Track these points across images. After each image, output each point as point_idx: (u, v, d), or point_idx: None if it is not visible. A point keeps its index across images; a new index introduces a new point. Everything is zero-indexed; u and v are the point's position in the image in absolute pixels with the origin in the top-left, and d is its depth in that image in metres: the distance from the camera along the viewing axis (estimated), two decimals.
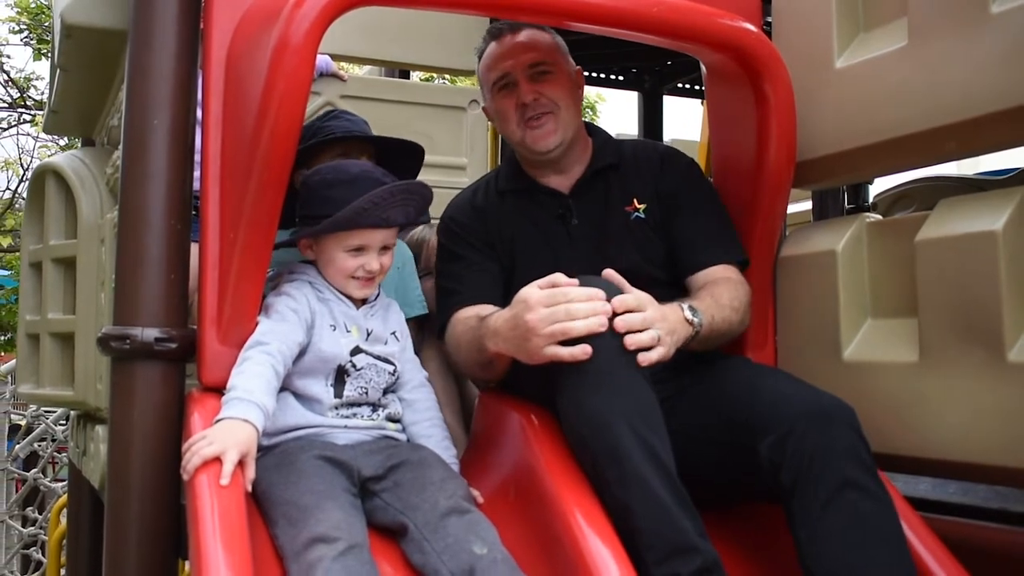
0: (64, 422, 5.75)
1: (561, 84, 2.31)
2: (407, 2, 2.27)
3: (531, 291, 1.88)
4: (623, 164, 2.36)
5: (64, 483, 5.34)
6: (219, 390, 1.89)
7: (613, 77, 5.09)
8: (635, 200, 2.31)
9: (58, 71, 2.94)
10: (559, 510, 1.79)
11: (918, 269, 2.00)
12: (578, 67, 2.40)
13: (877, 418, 2.01)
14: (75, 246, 2.84)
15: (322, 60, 3.43)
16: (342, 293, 2.09)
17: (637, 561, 1.71)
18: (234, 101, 1.99)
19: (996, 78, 1.87)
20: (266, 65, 1.80)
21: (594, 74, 5.05)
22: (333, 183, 2.06)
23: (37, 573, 5.56)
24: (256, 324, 1.97)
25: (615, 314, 1.83)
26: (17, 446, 5.84)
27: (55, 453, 6.01)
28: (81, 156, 2.97)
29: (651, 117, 5.02)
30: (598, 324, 1.80)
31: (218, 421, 1.77)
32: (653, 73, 5.00)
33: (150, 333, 1.96)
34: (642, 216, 2.30)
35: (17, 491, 5.98)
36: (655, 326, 1.85)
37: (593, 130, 2.47)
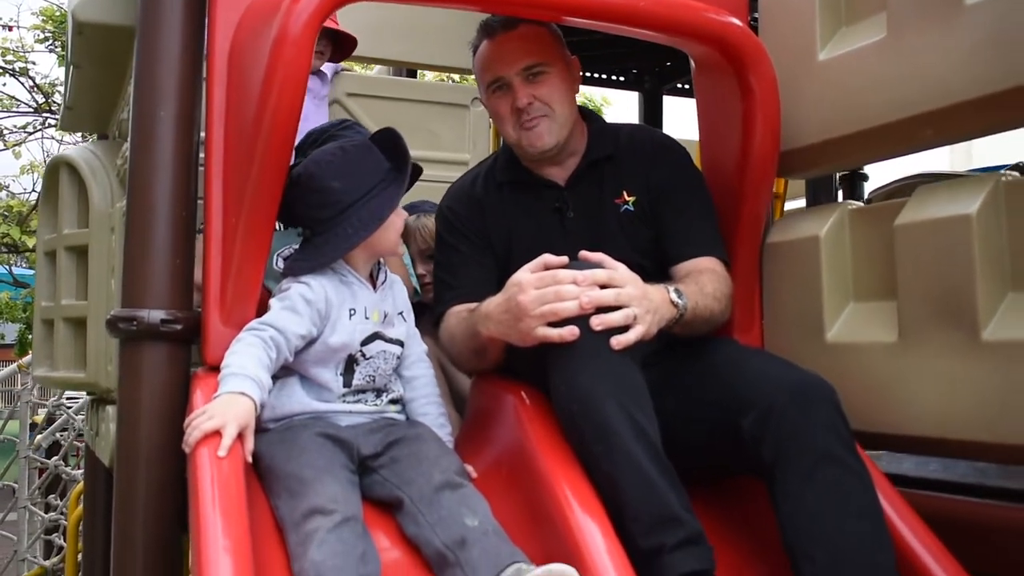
0: (82, 414, 5.92)
1: (556, 84, 2.32)
2: None
3: (523, 274, 1.94)
4: (618, 154, 2.39)
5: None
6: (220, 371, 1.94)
7: (614, 78, 5.12)
8: (625, 193, 2.34)
9: (72, 68, 3.02)
10: (549, 485, 1.85)
11: (897, 253, 2.06)
12: (574, 56, 2.41)
13: (858, 397, 2.08)
14: (87, 235, 2.91)
15: (330, 69, 3.52)
16: (362, 276, 2.13)
17: (623, 533, 1.77)
18: (237, 91, 2.06)
19: (970, 68, 1.92)
20: (266, 56, 1.87)
21: (595, 75, 5.09)
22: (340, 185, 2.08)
23: (58, 557, 5.70)
24: (259, 304, 2.05)
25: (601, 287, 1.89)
26: (39, 436, 5.98)
27: (75, 443, 6.16)
28: (93, 149, 3.06)
29: (651, 116, 5.06)
30: (588, 303, 1.86)
31: (216, 397, 1.84)
32: (653, 74, 5.04)
33: (156, 315, 2.03)
34: (631, 209, 2.33)
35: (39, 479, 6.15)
36: (633, 304, 1.88)
37: (589, 116, 2.48)
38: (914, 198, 2.07)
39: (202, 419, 1.78)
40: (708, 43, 2.20)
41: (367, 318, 2.09)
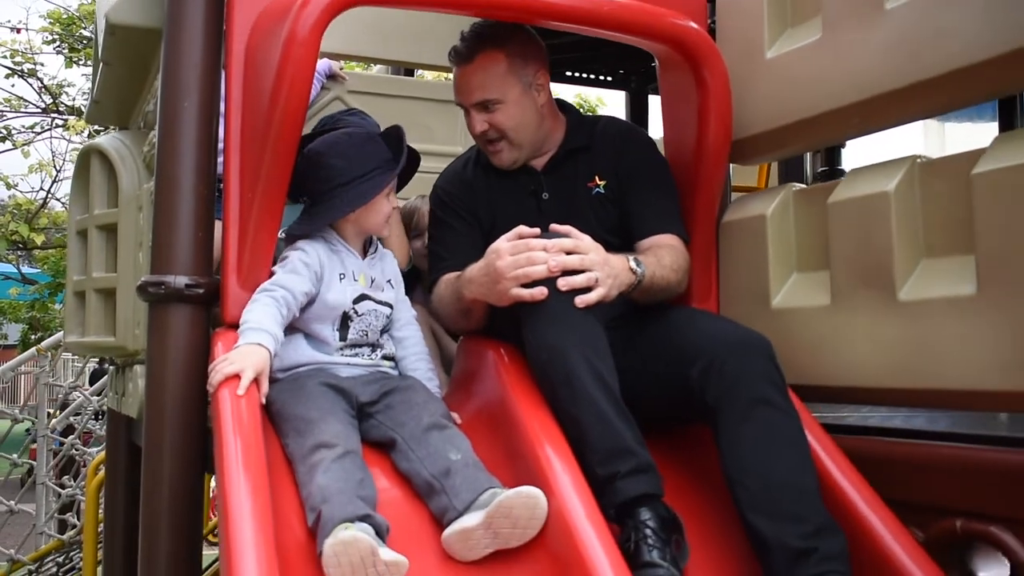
0: (97, 396, 6.22)
1: (510, 112, 2.54)
2: (400, 2, 2.63)
3: (500, 243, 2.21)
4: (593, 143, 2.64)
5: (99, 448, 5.80)
6: (239, 326, 2.20)
7: (602, 78, 5.33)
8: (597, 177, 2.60)
9: (101, 65, 3.27)
10: (522, 425, 2.11)
11: (830, 227, 2.32)
12: (539, 69, 2.58)
13: (798, 355, 2.35)
14: (116, 214, 3.17)
15: (323, 65, 3.76)
16: (353, 247, 2.42)
17: (584, 464, 2.03)
18: (251, 85, 2.34)
19: (890, 63, 2.19)
20: (278, 55, 2.13)
21: (584, 75, 5.30)
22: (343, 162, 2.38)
23: (74, 531, 5.98)
24: (270, 271, 2.32)
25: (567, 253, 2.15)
26: (54, 420, 6.28)
27: (90, 424, 6.47)
28: (120, 138, 3.32)
29: (638, 114, 5.24)
30: (555, 266, 2.12)
31: (236, 347, 2.11)
32: (639, 74, 5.24)
33: (181, 280, 2.29)
34: (602, 191, 2.59)
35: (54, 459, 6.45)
36: (595, 268, 2.14)
37: (566, 108, 2.73)
38: (845, 179, 2.35)
39: (224, 364, 2.06)
40: (667, 43, 2.45)
41: (355, 280, 2.38)
